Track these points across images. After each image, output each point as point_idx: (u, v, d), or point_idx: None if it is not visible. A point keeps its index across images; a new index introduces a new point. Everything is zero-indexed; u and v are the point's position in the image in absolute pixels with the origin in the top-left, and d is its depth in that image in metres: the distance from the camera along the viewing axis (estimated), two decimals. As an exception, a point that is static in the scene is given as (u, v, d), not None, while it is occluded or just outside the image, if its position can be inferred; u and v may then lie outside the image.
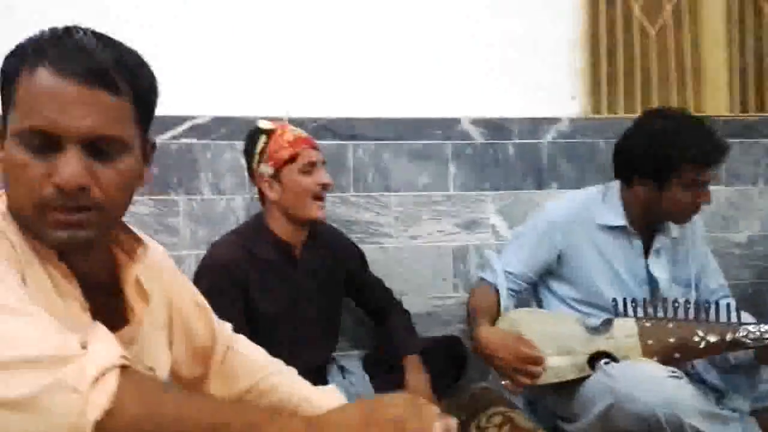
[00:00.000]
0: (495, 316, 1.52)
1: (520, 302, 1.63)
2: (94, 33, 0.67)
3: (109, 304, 0.72)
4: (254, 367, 0.93)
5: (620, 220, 1.51)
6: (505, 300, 1.54)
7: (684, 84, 2.05)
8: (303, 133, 1.46)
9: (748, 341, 1.35)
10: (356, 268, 1.63)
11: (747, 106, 2.12)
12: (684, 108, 1.64)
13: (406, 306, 1.70)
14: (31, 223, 0.64)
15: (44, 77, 0.62)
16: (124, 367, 0.54)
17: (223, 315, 1.04)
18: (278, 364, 0.96)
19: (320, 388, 0.94)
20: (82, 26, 0.67)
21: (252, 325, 1.35)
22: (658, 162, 1.42)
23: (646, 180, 1.46)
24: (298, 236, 1.47)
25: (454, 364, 1.64)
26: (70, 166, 0.62)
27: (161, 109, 1.89)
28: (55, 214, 0.63)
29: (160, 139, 1.71)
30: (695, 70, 2.07)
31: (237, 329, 1.09)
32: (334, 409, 0.63)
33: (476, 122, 1.90)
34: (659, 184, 1.44)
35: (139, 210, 1.70)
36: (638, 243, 1.53)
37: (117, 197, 0.66)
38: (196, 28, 1.75)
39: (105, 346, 0.55)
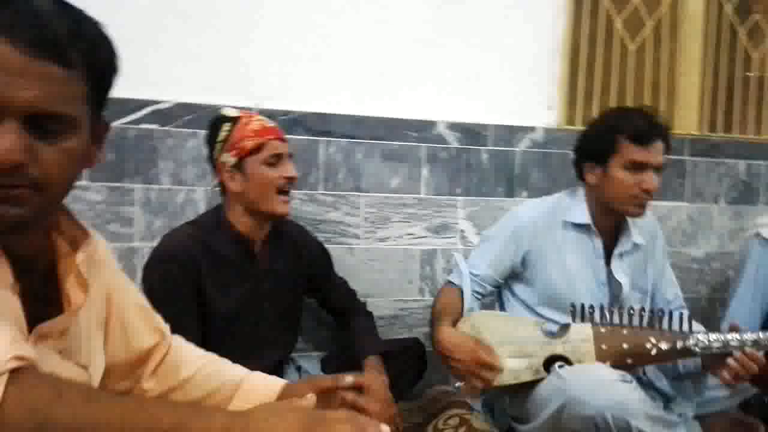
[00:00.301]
0: (458, 317, 1.53)
1: (485, 305, 1.64)
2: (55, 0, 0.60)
3: (44, 291, 0.68)
4: (192, 357, 0.90)
5: (584, 219, 1.55)
6: (470, 302, 1.55)
7: (657, 101, 2.08)
8: (270, 123, 1.39)
9: (697, 350, 1.40)
10: (321, 268, 1.59)
11: (715, 126, 2.16)
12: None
13: (371, 308, 1.67)
14: None
15: None
16: (16, 370, 0.49)
17: (173, 308, 0.99)
18: (212, 355, 0.93)
19: (257, 372, 0.90)
20: None
21: (205, 322, 1.30)
22: (598, 141, 1.50)
23: (592, 166, 1.51)
24: (259, 231, 1.40)
25: (415, 367, 1.63)
26: (6, 140, 0.56)
27: (121, 92, 1.76)
28: None
29: (118, 123, 1.61)
30: (669, 88, 2.10)
31: (187, 324, 1.06)
32: (271, 409, 0.59)
33: (452, 126, 1.86)
34: (603, 167, 1.49)
35: (92, 197, 1.59)
36: (599, 244, 1.55)
37: (58, 178, 0.61)
38: (164, 8, 1.63)
39: None
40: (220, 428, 0.54)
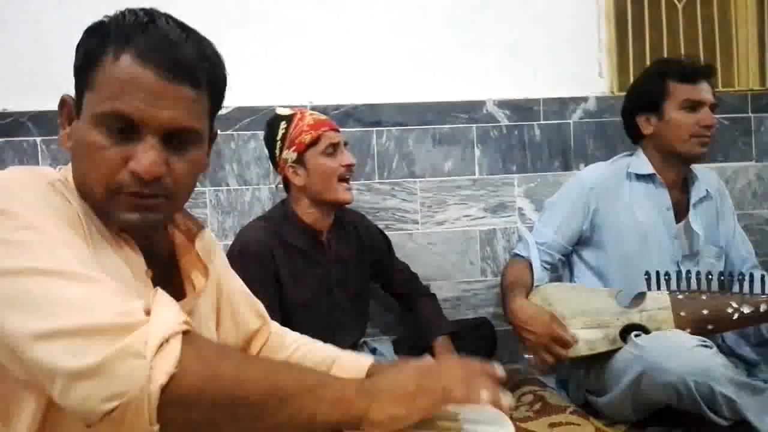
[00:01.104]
0: (529, 289, 1.53)
1: (554, 277, 1.64)
2: (174, 21, 0.68)
3: (167, 278, 0.74)
4: (287, 340, 0.96)
5: (649, 169, 1.56)
6: (539, 273, 1.56)
7: (713, 58, 2.00)
8: (322, 116, 1.45)
9: None
10: (383, 253, 1.63)
11: (777, 79, 2.06)
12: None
13: (435, 291, 1.70)
14: (100, 203, 0.65)
15: (130, 64, 0.63)
16: (186, 333, 0.55)
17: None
18: (305, 337, 0.98)
19: (349, 351, 0.95)
20: (159, 10, 0.68)
21: (283, 310, 1.36)
22: (649, 90, 1.53)
23: (648, 116, 1.53)
24: (326, 221, 1.47)
25: (484, 346, 1.63)
26: (150, 156, 0.64)
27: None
28: (128, 197, 0.65)
29: (184, 131, 1.70)
30: (724, 45, 2.02)
31: (270, 314, 1.12)
32: (388, 375, 0.65)
33: (501, 104, 1.87)
34: (658, 113, 1.52)
35: (166, 203, 1.69)
36: (667, 195, 1.55)
37: (186, 186, 0.69)
38: (216, 17, 1.72)
39: (168, 311, 0.57)
40: (356, 391, 0.60)
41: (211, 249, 0.83)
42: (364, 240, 1.57)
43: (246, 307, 0.91)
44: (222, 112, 1.71)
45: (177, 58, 0.64)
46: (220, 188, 1.73)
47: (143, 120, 0.64)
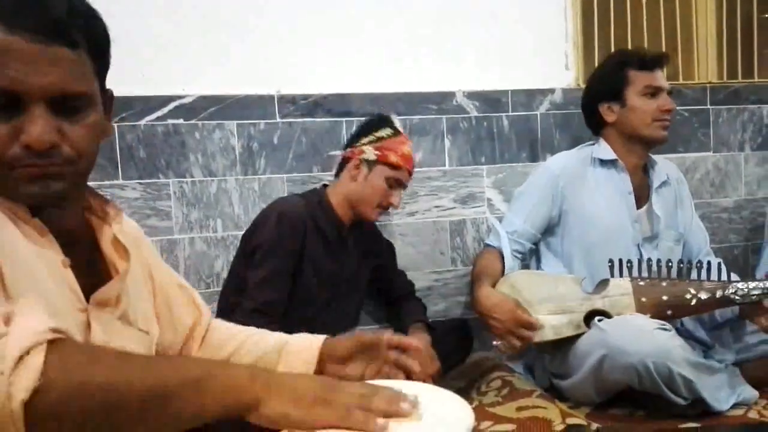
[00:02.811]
0: (497, 278, 1.57)
1: (525, 265, 1.67)
2: None
3: (89, 262, 0.71)
4: (232, 333, 0.93)
5: (611, 155, 1.61)
6: (510, 261, 1.59)
7: (674, 51, 2.05)
8: (413, 157, 1.53)
9: (737, 298, 1.42)
10: (388, 261, 1.70)
11: (735, 72, 2.14)
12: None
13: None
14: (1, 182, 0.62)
15: None
16: (52, 342, 0.52)
17: (277, 261, 1.35)
18: (251, 328, 0.95)
19: (300, 335, 0.93)
20: None
21: (297, 281, 1.42)
22: (610, 78, 1.59)
23: (609, 104, 1.60)
24: (350, 220, 1.54)
25: (461, 346, 1.68)
26: (38, 125, 0.61)
27: (144, 90, 1.81)
28: (24, 170, 0.62)
29: (146, 121, 1.65)
30: (685, 39, 2.08)
31: (282, 280, 1.34)
32: (294, 374, 0.63)
33: (471, 96, 1.87)
34: (620, 101, 1.58)
35: (129, 194, 1.64)
36: (627, 179, 1.60)
37: (86, 151, 0.66)
38: (177, 3, 1.66)
39: (30, 321, 0.53)
40: (246, 377, 0.58)
41: (134, 236, 0.80)
42: (375, 243, 1.65)
43: (182, 299, 0.89)
44: (185, 101, 1.68)
45: (46, 17, 0.60)
46: (185, 180, 1.68)
47: (23, 90, 0.60)
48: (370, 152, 1.48)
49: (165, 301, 0.86)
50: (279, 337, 0.92)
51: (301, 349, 0.88)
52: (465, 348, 1.68)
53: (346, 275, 1.54)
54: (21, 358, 0.49)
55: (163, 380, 0.55)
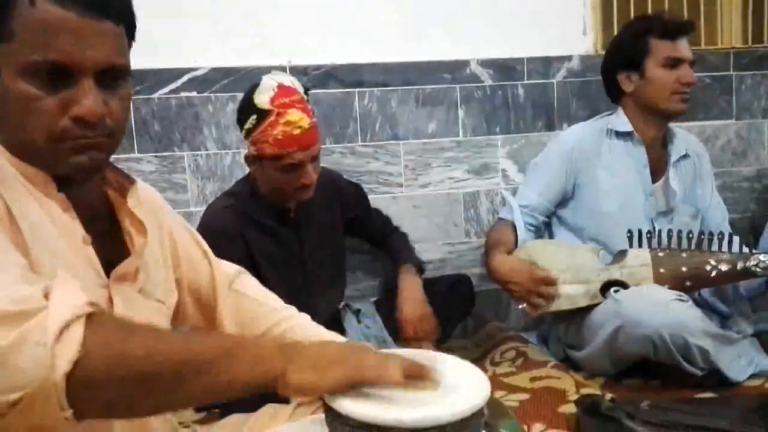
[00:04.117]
0: (511, 249, 1.56)
1: (538, 238, 1.64)
2: None
3: (109, 236, 0.73)
4: (264, 311, 0.94)
5: (627, 127, 1.57)
6: (523, 234, 1.58)
7: (697, 15, 1.98)
8: (298, 127, 1.24)
9: (758, 270, 1.40)
10: (358, 207, 1.61)
11: (761, 37, 2.06)
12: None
13: (420, 253, 1.70)
14: (43, 154, 0.64)
15: (49, 7, 0.61)
16: (89, 315, 0.54)
17: None
18: (290, 309, 0.97)
19: (331, 333, 0.94)
20: None
21: (262, 283, 1.34)
22: (631, 47, 1.53)
23: (628, 74, 1.54)
24: (287, 201, 1.40)
25: (462, 302, 1.65)
26: (90, 98, 0.63)
27: (158, 62, 1.79)
28: (74, 142, 0.64)
29: (159, 94, 1.65)
30: (708, 2, 2.00)
31: None
32: (312, 343, 0.64)
33: (485, 63, 1.84)
34: (639, 71, 1.52)
35: (145, 168, 1.65)
36: (644, 152, 1.56)
37: (124, 124, 0.69)
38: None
39: (68, 295, 0.55)
40: (276, 348, 0.60)
41: (151, 204, 0.81)
42: (335, 200, 1.52)
43: (198, 256, 0.90)
44: (197, 73, 1.68)
45: None
46: (199, 153, 1.69)
47: (76, 64, 0.62)
48: (250, 149, 1.30)
49: (186, 259, 0.88)
50: (311, 334, 0.92)
51: None
52: (467, 303, 1.66)
53: (309, 251, 1.44)
54: (62, 331, 0.51)
55: (197, 351, 0.57)
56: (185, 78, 1.66)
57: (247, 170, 1.40)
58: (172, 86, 1.66)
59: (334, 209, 1.52)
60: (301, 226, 1.44)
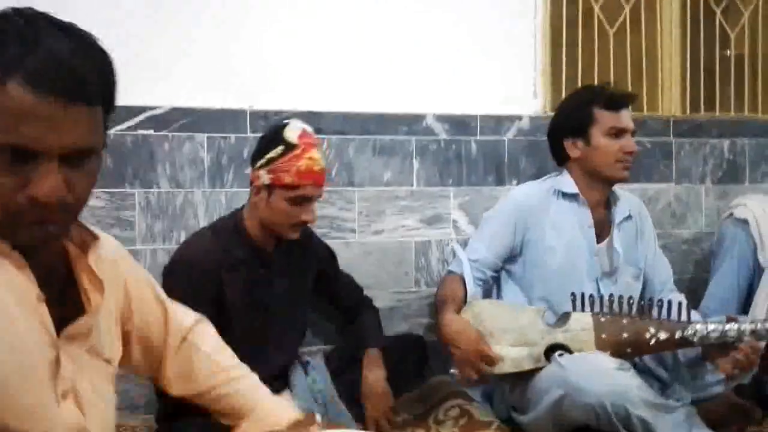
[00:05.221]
0: (461, 304, 1.57)
1: (486, 293, 1.68)
2: (56, 24, 0.63)
3: (67, 295, 0.71)
4: (215, 368, 0.93)
5: (573, 189, 1.63)
6: (472, 288, 1.60)
7: (639, 83, 2.12)
8: (318, 164, 1.37)
9: (695, 340, 1.43)
10: (328, 267, 1.64)
11: (698, 106, 2.21)
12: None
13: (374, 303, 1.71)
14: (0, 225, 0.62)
15: (21, 93, 0.59)
16: None
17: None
18: (242, 368, 0.96)
19: (275, 399, 0.94)
20: (42, 15, 0.63)
21: (222, 325, 1.33)
22: (576, 115, 1.61)
23: (574, 140, 1.61)
24: (271, 242, 1.46)
25: (415, 363, 1.67)
26: (50, 181, 0.61)
27: (118, 99, 1.80)
28: (28, 220, 0.62)
29: (115, 131, 1.65)
30: (650, 71, 2.14)
31: None
32: None
33: (440, 118, 1.91)
34: (585, 138, 1.60)
35: (94, 203, 1.63)
36: (589, 214, 1.62)
37: (86, 197, 0.67)
38: (152, 13, 1.67)
39: None
40: None
41: (111, 258, 0.80)
42: (309, 255, 1.57)
43: (154, 315, 0.89)
44: (156, 112, 1.69)
45: (71, 78, 0.60)
46: (151, 190, 1.68)
47: (42, 147, 0.60)
48: (264, 177, 1.36)
49: (140, 312, 0.86)
50: (254, 398, 0.92)
51: (267, 419, 0.89)
52: (419, 365, 1.67)
53: (278, 296, 1.47)
54: None
55: None
56: (143, 116, 1.67)
57: (202, 214, 1.42)
58: (129, 123, 1.66)
59: (308, 263, 1.56)
60: (275, 268, 1.46)
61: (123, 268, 0.84)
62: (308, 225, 1.50)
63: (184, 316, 0.95)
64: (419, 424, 1.56)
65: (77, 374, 0.69)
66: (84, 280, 0.73)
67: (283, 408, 0.93)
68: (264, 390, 0.94)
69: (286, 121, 1.42)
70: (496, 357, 1.47)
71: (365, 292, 1.75)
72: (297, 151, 1.34)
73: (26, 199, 0.61)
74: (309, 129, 1.40)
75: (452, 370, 1.53)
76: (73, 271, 0.74)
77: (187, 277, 1.31)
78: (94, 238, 0.75)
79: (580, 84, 2.02)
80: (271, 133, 1.40)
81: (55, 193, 0.61)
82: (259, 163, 1.38)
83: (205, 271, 1.33)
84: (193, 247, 1.39)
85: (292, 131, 1.36)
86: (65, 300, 0.71)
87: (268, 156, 1.36)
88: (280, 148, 1.35)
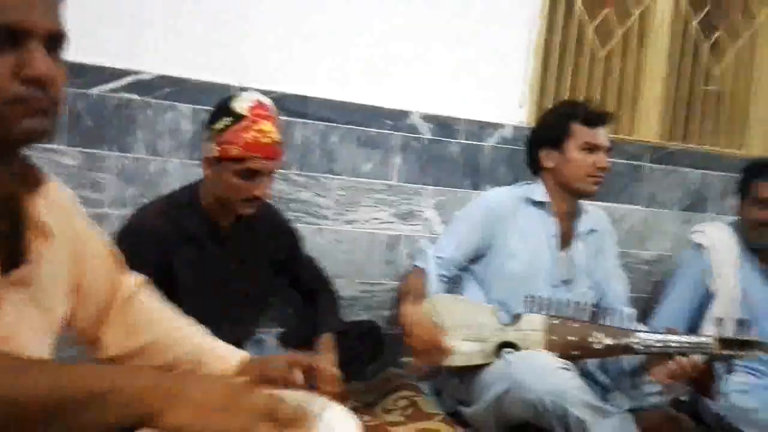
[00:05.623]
0: (421, 298, 1.60)
1: (450, 290, 1.71)
2: None
3: (10, 235, 0.69)
4: (157, 320, 0.93)
5: (543, 197, 1.68)
6: (435, 285, 1.63)
7: (621, 107, 2.18)
8: (267, 137, 1.31)
9: (639, 348, 1.50)
10: (290, 250, 1.62)
11: (674, 135, 2.28)
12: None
13: (336, 288, 1.71)
14: None
15: None
16: None
17: None
18: (187, 319, 0.95)
19: (222, 344, 0.94)
20: None
21: (172, 297, 1.33)
22: (555, 127, 1.66)
23: (550, 150, 1.66)
24: (227, 219, 1.43)
25: (370, 349, 1.68)
26: (44, 60, 0.63)
27: (103, 59, 1.77)
28: (27, 105, 0.63)
29: (98, 91, 1.62)
30: (633, 96, 2.20)
31: None
32: (200, 380, 0.62)
33: (426, 118, 1.93)
34: (560, 150, 1.64)
35: (66, 161, 1.61)
36: (556, 223, 1.67)
37: (63, 92, 0.68)
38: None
39: None
40: (152, 388, 0.58)
41: (62, 207, 0.79)
42: (270, 235, 1.54)
43: (104, 267, 0.88)
44: (142, 77, 1.67)
45: None
46: (127, 155, 1.67)
47: (28, 27, 0.63)
48: (213, 149, 1.32)
49: (92, 265, 0.86)
50: (198, 344, 0.91)
51: (217, 367, 0.89)
52: (374, 351, 1.68)
53: (233, 273, 1.44)
54: None
55: (67, 393, 0.55)
56: (128, 79, 1.65)
57: (177, 184, 1.40)
58: (113, 85, 1.64)
59: (269, 243, 1.53)
60: (232, 246, 1.44)
61: (77, 218, 0.83)
62: (272, 203, 1.48)
63: (131, 275, 0.95)
64: (367, 412, 1.60)
65: (18, 321, 0.68)
66: (31, 224, 0.72)
67: (231, 352, 0.93)
68: (210, 338, 0.94)
69: (236, 94, 1.38)
70: (449, 349, 1.50)
71: (332, 280, 1.77)
72: (245, 123, 1.30)
73: (23, 83, 0.62)
74: (265, 102, 1.35)
75: (406, 359, 1.56)
76: (20, 214, 0.72)
77: (137, 243, 1.27)
78: (45, 181, 0.73)
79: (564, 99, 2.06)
80: (220, 104, 1.36)
81: (51, 73, 0.63)
82: (207, 135, 1.35)
83: (154, 238, 1.31)
84: (144, 215, 1.36)
85: (241, 102, 1.32)
86: (10, 243, 0.69)
87: (216, 127, 1.32)
88: (228, 119, 1.31)
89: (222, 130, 1.31)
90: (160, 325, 0.93)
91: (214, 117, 1.35)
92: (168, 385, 0.58)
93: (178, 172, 1.71)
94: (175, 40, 1.68)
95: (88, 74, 1.60)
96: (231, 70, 1.73)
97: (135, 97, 1.66)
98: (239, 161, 1.30)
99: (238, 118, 1.31)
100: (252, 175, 1.32)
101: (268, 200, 1.43)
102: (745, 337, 1.51)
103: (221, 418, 0.57)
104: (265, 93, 1.72)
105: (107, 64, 1.62)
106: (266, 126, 1.32)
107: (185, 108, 1.70)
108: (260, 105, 1.34)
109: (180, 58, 1.68)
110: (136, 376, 0.60)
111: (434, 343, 1.50)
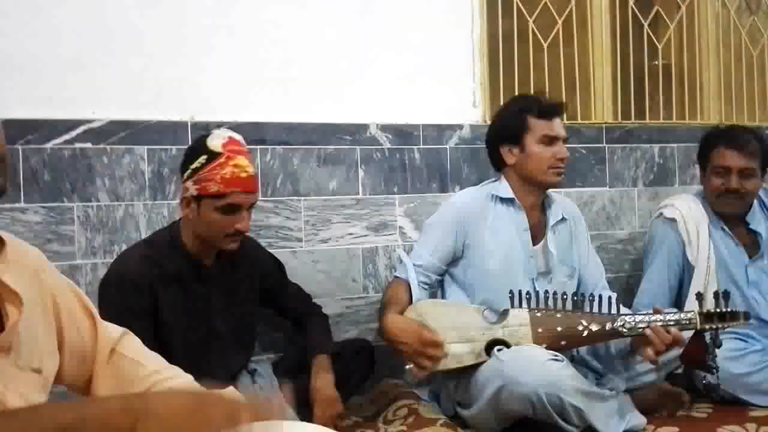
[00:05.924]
0: (404, 307, 1.61)
1: (432, 296, 1.72)
2: None
3: None
4: (145, 372, 0.92)
5: (509, 194, 1.69)
6: (417, 293, 1.64)
7: (573, 93, 2.22)
8: (245, 171, 1.35)
9: (625, 330, 1.52)
10: (274, 280, 1.64)
11: (629, 114, 2.33)
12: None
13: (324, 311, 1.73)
14: None
15: None
16: None
17: (129, 329, 1.01)
18: (173, 369, 0.96)
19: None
20: None
21: (161, 339, 1.34)
22: (511, 124, 1.67)
23: (510, 147, 1.67)
24: (209, 255, 1.45)
25: (363, 367, 1.70)
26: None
27: (54, 113, 1.78)
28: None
29: (52, 144, 1.62)
30: (583, 82, 2.25)
31: (145, 344, 1.08)
32: (163, 394, 0.65)
33: (384, 128, 1.95)
34: (519, 145, 1.66)
35: (30, 218, 1.60)
36: (525, 217, 1.69)
37: (5, 150, 0.71)
38: (89, 27, 1.65)
39: None
40: (119, 411, 0.59)
41: (36, 268, 0.79)
42: (253, 268, 1.56)
43: (85, 323, 0.89)
44: (94, 125, 1.67)
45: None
46: (90, 204, 1.66)
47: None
48: (191, 188, 1.35)
49: (71, 323, 0.86)
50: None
51: None
52: (367, 369, 1.70)
53: (218, 310, 1.46)
54: None
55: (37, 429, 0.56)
56: (80, 129, 1.65)
57: (144, 227, 1.43)
58: (66, 137, 1.64)
59: (252, 275, 1.55)
60: (214, 282, 1.45)
61: (46, 275, 0.83)
62: (251, 236, 1.51)
63: (111, 328, 0.95)
64: (369, 425, 1.59)
65: (4, 388, 0.68)
66: (3, 292, 0.72)
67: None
68: (197, 386, 0.93)
69: (209, 132, 1.41)
70: (440, 340, 1.52)
71: (314, 300, 1.77)
72: (221, 159, 1.34)
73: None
74: (237, 137, 1.39)
75: (406, 366, 1.56)
76: None
77: (121, 291, 1.31)
78: (3, 244, 0.73)
79: (517, 94, 2.10)
80: (194, 143, 1.40)
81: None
82: (185, 175, 1.37)
83: (138, 285, 1.33)
84: (126, 260, 1.38)
85: (215, 140, 1.36)
86: None
87: (193, 166, 1.35)
88: (203, 158, 1.35)
89: (198, 169, 1.34)
90: (147, 376, 0.92)
91: (189, 157, 1.38)
92: (133, 405, 0.60)
93: (143, 214, 1.70)
94: (121, 84, 1.68)
95: (40, 129, 1.60)
96: (182, 107, 1.73)
97: (89, 145, 1.66)
98: (219, 197, 1.34)
99: (214, 155, 1.34)
100: (232, 209, 1.35)
101: (247, 233, 1.45)
102: (726, 309, 1.53)
103: (188, 426, 0.59)
104: (218, 125, 1.75)
105: (58, 116, 1.62)
106: (242, 161, 1.36)
107: (141, 149, 1.70)
108: (233, 141, 1.38)
109: (129, 101, 1.68)
110: (103, 402, 0.63)
111: (425, 341, 1.51)
